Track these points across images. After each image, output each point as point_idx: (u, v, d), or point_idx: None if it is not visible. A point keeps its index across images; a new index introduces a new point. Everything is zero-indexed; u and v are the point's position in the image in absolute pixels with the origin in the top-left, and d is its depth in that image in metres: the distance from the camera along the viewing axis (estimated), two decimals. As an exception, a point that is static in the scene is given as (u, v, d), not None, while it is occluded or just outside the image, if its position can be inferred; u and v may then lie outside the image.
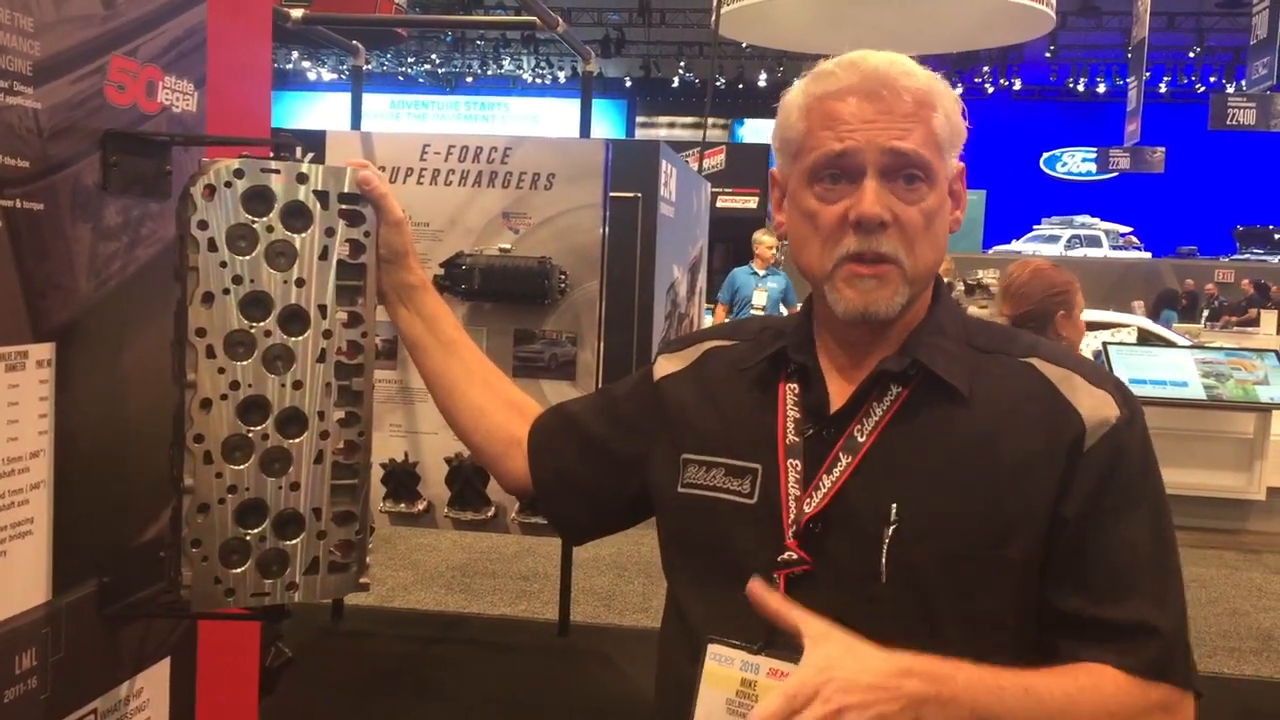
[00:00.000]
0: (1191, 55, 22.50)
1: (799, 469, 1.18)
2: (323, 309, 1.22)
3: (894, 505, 1.12)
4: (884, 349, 1.21)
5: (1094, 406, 1.15)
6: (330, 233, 1.23)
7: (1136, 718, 1.10)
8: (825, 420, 1.20)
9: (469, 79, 26.64)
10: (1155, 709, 1.11)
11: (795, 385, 1.24)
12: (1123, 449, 1.15)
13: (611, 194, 3.97)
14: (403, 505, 3.98)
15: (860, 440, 1.17)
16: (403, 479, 3.95)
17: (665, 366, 1.37)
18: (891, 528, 1.12)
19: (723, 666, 1.11)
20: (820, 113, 1.17)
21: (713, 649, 1.13)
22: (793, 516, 1.16)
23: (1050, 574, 1.14)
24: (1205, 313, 15.34)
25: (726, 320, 7.22)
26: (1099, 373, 1.21)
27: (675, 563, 1.29)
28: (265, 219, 1.19)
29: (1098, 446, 1.14)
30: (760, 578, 1.12)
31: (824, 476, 1.16)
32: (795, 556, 1.14)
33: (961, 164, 1.24)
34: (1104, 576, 1.13)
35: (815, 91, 1.18)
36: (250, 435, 1.19)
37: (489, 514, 3.91)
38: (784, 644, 1.09)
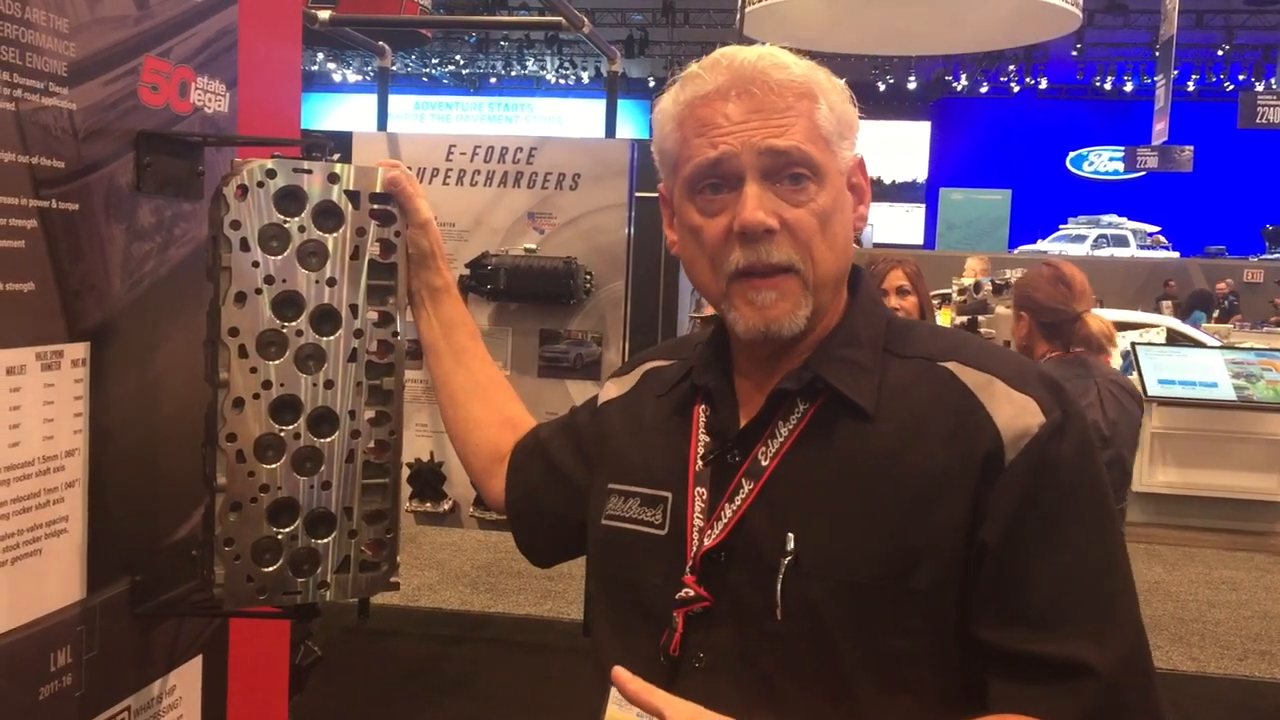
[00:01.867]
0: (1220, 53, 22.24)
1: (704, 497, 1.10)
2: (354, 308, 1.22)
3: (790, 535, 1.03)
4: (793, 363, 1.12)
5: (1013, 415, 1.03)
6: (361, 232, 1.23)
7: None
8: (728, 444, 1.12)
9: (493, 80, 26.68)
10: None
11: (707, 407, 1.16)
12: (1049, 460, 1.01)
13: (637, 194, 3.97)
14: (428, 504, 4.00)
15: (764, 464, 1.08)
16: (428, 478, 3.97)
17: (609, 391, 1.33)
18: (787, 559, 1.02)
19: (622, 710, 1.06)
20: (692, 119, 1.09)
21: (615, 690, 1.07)
22: (694, 550, 1.08)
23: (975, 604, 1.01)
24: (1215, 312, 15.13)
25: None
26: (1025, 374, 1.07)
27: (594, 596, 1.24)
28: (297, 219, 1.20)
29: (1018, 461, 1.01)
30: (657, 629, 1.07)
31: (726, 505, 1.08)
32: (694, 594, 1.06)
33: (859, 155, 1.14)
34: (1031, 607, 1.00)
35: (684, 98, 1.10)
36: (282, 434, 1.19)
37: (514, 514, 3.91)
38: (683, 688, 1.04)
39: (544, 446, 1.36)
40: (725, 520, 1.07)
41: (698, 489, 1.11)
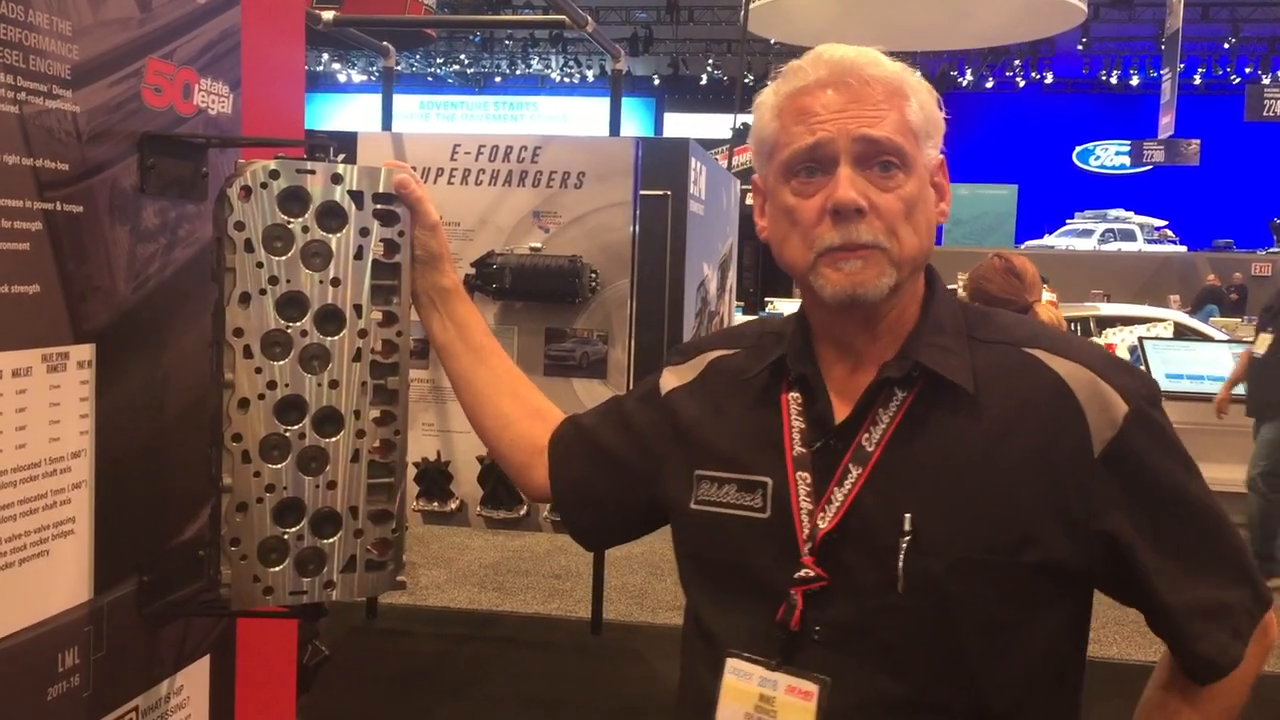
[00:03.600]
0: (1226, 46, 22.18)
1: (809, 481, 1.17)
2: (358, 308, 1.23)
3: (907, 516, 1.11)
4: (881, 351, 1.19)
5: (1104, 405, 1.13)
6: (365, 232, 1.23)
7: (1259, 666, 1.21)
8: (831, 431, 1.18)
9: (498, 79, 26.70)
10: (1265, 643, 1.20)
11: (798, 394, 1.22)
12: (1148, 437, 1.14)
13: (641, 192, 3.98)
14: (435, 504, 4.01)
15: (869, 450, 1.15)
16: (435, 478, 3.98)
17: (671, 379, 1.36)
18: (906, 539, 1.10)
19: (741, 681, 1.13)
20: (792, 109, 1.17)
21: (731, 663, 1.15)
22: (807, 532, 1.14)
23: (1132, 585, 1.14)
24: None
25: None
26: (1107, 359, 1.18)
27: (693, 577, 1.28)
28: (301, 219, 1.20)
29: (1117, 441, 1.12)
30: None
31: (835, 489, 1.15)
32: (813, 574, 1.13)
33: (941, 156, 1.22)
34: (1184, 563, 1.14)
35: (785, 90, 1.18)
36: (287, 434, 1.19)
37: (521, 512, 3.92)
38: (803, 660, 1.11)
39: (589, 435, 1.39)
40: (837, 504, 1.14)
41: (799, 474, 1.18)
